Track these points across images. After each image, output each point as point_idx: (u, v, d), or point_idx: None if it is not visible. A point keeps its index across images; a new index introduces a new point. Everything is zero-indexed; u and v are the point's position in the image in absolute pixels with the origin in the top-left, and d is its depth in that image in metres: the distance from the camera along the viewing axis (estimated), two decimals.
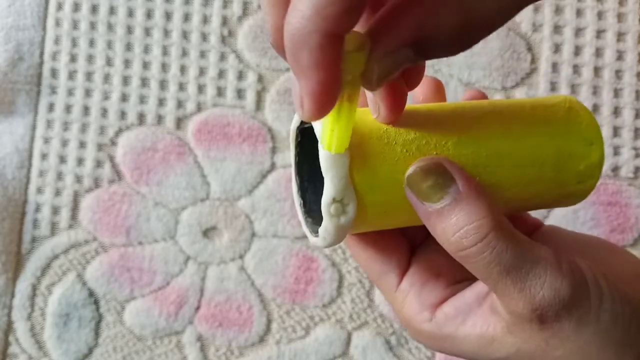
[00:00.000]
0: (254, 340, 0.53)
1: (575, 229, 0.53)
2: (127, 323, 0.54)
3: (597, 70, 0.55)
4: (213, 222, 0.54)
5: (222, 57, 0.56)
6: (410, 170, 0.23)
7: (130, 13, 0.56)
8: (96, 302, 0.54)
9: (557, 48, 0.55)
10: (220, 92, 0.55)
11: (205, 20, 0.56)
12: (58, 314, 0.54)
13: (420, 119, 0.25)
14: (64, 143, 0.55)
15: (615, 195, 0.53)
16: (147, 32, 0.56)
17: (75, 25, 0.56)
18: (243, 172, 0.54)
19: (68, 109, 0.56)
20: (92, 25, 0.56)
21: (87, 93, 0.56)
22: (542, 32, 0.55)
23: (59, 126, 0.56)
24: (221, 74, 0.56)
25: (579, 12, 0.55)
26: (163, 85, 0.56)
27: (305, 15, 0.17)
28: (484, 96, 0.29)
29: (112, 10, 0.56)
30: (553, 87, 0.55)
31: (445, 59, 0.54)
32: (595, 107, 0.54)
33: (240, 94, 0.55)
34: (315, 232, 0.25)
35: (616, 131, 0.54)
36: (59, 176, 0.55)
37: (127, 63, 0.56)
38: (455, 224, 0.22)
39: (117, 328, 0.54)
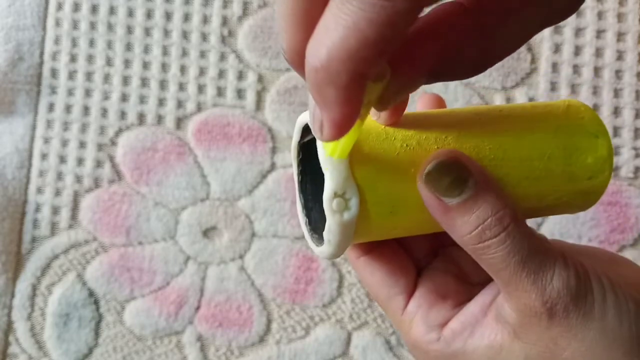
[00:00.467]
0: (254, 340, 0.53)
1: (575, 229, 0.53)
2: (127, 323, 0.54)
3: (597, 70, 0.55)
4: (213, 222, 0.54)
5: (222, 57, 0.56)
6: (429, 166, 0.23)
7: (130, 13, 0.56)
8: (96, 302, 0.54)
9: (557, 48, 0.55)
10: (220, 92, 0.55)
11: (205, 20, 0.56)
12: (58, 314, 0.54)
13: (418, 119, 0.24)
14: (64, 143, 0.55)
15: (615, 195, 0.53)
16: (147, 32, 0.56)
17: (75, 25, 0.56)
18: (243, 172, 0.54)
19: (68, 109, 0.56)
20: (92, 25, 0.56)
21: (87, 93, 0.56)
22: (542, 32, 0.55)
23: (59, 126, 0.56)
24: (221, 74, 0.56)
25: (578, 12, 0.55)
26: (163, 85, 0.56)
27: (333, 53, 0.16)
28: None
29: (112, 10, 0.56)
30: (553, 87, 0.55)
31: None
32: (595, 107, 0.54)
33: (240, 94, 0.55)
34: (320, 245, 0.25)
35: (616, 131, 0.54)
36: (59, 176, 0.55)
37: (127, 63, 0.56)
38: (478, 217, 0.22)
39: (117, 328, 0.54)
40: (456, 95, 0.54)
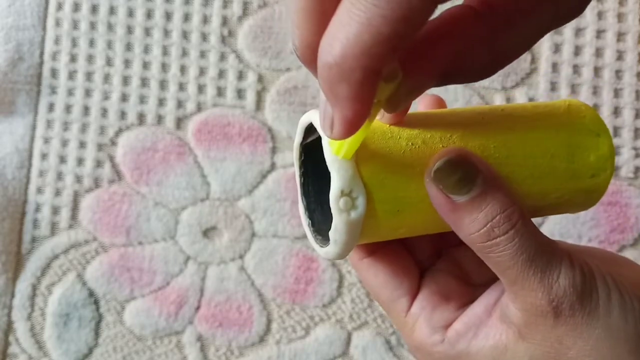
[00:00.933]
0: (254, 340, 0.53)
1: (575, 229, 0.53)
2: (127, 323, 0.54)
3: (597, 70, 0.55)
4: (213, 222, 0.54)
5: (222, 57, 0.56)
6: (438, 163, 0.23)
7: (130, 13, 0.56)
8: (96, 302, 0.54)
9: (557, 48, 0.55)
10: (220, 92, 0.55)
11: (205, 20, 0.56)
12: (58, 314, 0.54)
13: (422, 118, 0.25)
14: (64, 143, 0.55)
15: (615, 195, 0.53)
16: (147, 32, 0.56)
17: (75, 25, 0.56)
18: (243, 172, 0.54)
19: (68, 109, 0.56)
20: (92, 25, 0.56)
21: (87, 93, 0.56)
22: None
23: (59, 126, 0.56)
24: (221, 74, 0.56)
25: None
26: (163, 85, 0.56)
27: (347, 49, 0.16)
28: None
29: (112, 10, 0.56)
30: (553, 87, 0.55)
31: None
32: (595, 107, 0.54)
33: (240, 94, 0.55)
34: (325, 246, 0.25)
35: (616, 131, 0.54)
36: (59, 176, 0.55)
37: (127, 63, 0.56)
38: (486, 214, 0.22)
39: (117, 328, 0.54)
40: (456, 95, 0.54)
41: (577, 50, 0.55)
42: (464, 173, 0.23)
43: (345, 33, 0.16)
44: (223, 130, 0.55)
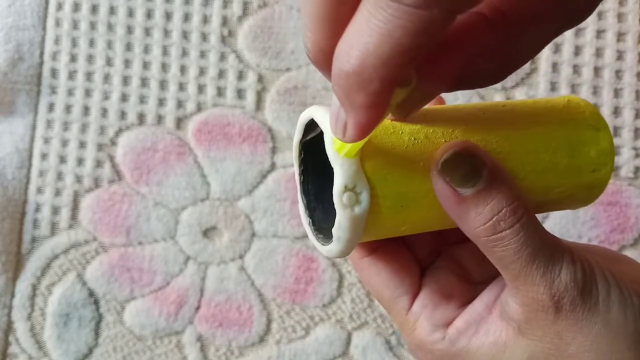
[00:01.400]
0: (254, 340, 0.53)
1: (575, 229, 0.53)
2: (127, 323, 0.54)
3: (597, 70, 0.55)
4: (213, 222, 0.54)
5: (222, 57, 0.56)
6: (446, 155, 0.23)
7: (130, 13, 0.56)
8: (96, 302, 0.54)
9: (557, 48, 0.55)
10: (220, 92, 0.55)
11: (205, 20, 0.56)
12: (58, 314, 0.54)
13: (423, 114, 0.25)
14: (64, 143, 0.55)
15: (615, 195, 0.53)
16: (147, 32, 0.56)
17: (75, 25, 0.56)
18: (243, 172, 0.54)
19: (68, 109, 0.56)
20: (92, 25, 0.56)
21: (87, 93, 0.56)
22: None
23: (59, 126, 0.56)
24: (221, 74, 0.56)
25: None
26: (163, 85, 0.56)
27: (366, 59, 0.16)
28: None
29: (112, 10, 0.56)
30: (553, 87, 0.55)
31: None
32: (596, 107, 0.54)
33: (240, 94, 0.55)
34: (327, 244, 0.24)
35: (616, 131, 0.54)
36: (59, 176, 0.55)
37: (127, 63, 0.56)
38: (492, 208, 0.22)
39: (117, 328, 0.54)
40: (456, 94, 0.54)
41: (577, 50, 0.55)
42: (471, 165, 0.22)
43: (364, 43, 0.16)
44: (223, 130, 0.55)
